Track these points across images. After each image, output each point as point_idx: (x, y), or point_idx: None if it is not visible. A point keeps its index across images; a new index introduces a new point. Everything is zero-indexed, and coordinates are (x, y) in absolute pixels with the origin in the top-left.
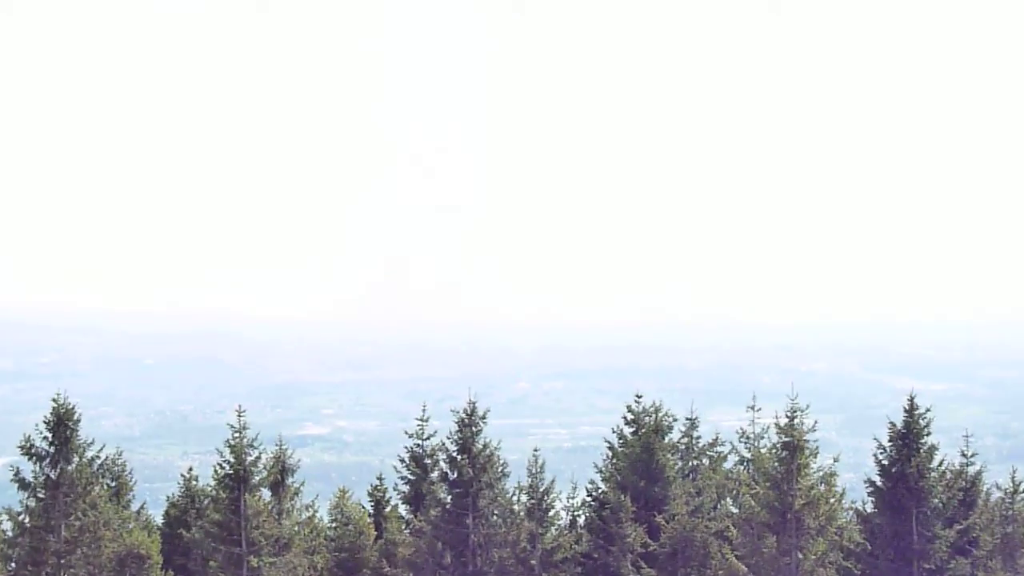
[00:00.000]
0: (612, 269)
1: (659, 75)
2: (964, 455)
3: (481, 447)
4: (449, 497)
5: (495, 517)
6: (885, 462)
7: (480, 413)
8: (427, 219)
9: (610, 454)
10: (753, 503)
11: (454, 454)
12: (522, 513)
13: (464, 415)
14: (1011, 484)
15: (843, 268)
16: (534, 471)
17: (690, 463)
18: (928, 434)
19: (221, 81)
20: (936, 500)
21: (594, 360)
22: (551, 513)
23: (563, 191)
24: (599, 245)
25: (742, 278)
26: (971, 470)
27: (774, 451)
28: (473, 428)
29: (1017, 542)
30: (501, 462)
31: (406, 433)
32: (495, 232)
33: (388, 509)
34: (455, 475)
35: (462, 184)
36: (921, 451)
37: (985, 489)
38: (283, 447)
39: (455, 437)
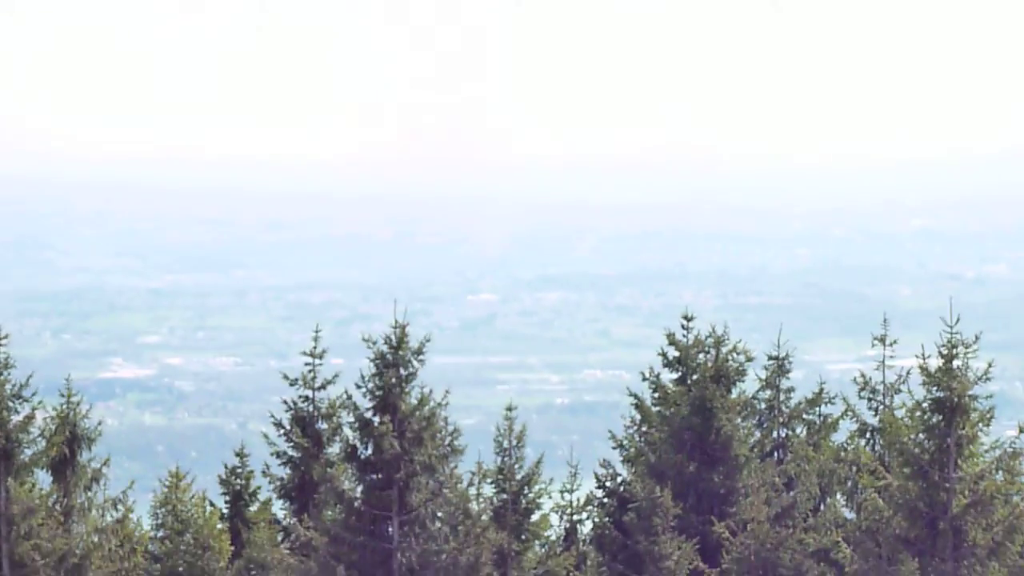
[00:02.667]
0: (624, 91)
1: None
2: None
3: (415, 403)
4: (360, 488)
5: (438, 523)
6: None
7: (415, 344)
8: None
9: (638, 417)
10: (881, 503)
11: (368, 415)
12: (485, 516)
13: (386, 347)
14: None
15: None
16: (507, 444)
17: (775, 433)
18: None
19: None
20: None
21: (611, 252)
22: (535, 517)
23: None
24: (606, 66)
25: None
26: None
27: (918, 415)
28: (401, 370)
29: None
30: (450, 429)
31: (285, 378)
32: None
33: (254, 508)
34: (370, 451)
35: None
36: None
37: None
38: (73, 399)
39: (371, 386)
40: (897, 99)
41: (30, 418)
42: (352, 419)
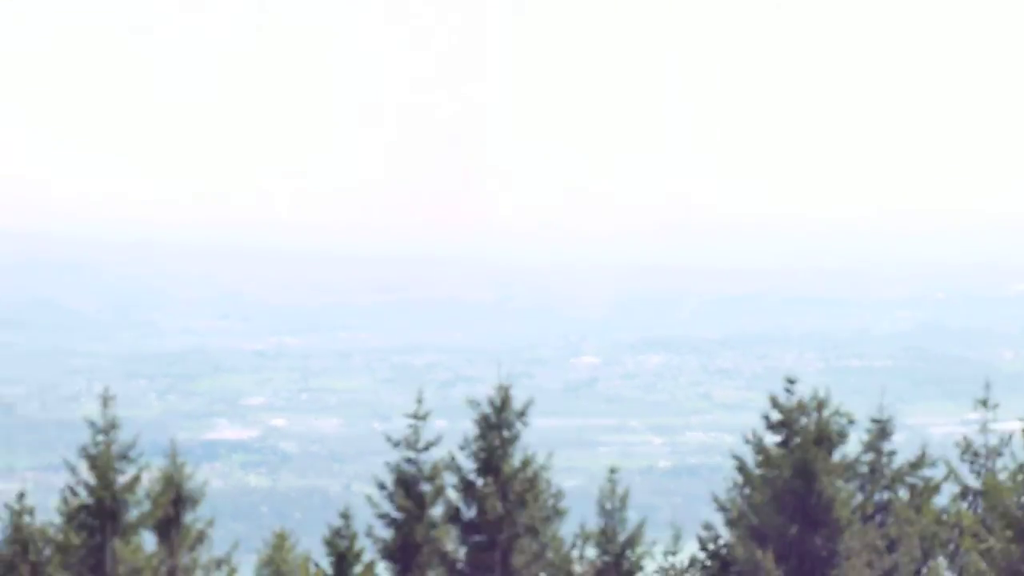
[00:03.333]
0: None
1: None
2: None
3: (519, 466)
4: (463, 550)
5: None
6: None
7: (518, 406)
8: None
9: (740, 479)
10: (983, 566)
11: (472, 477)
12: None
13: (490, 410)
14: None
15: None
16: (610, 507)
17: (876, 496)
18: None
19: None
20: None
21: (713, 316)
22: None
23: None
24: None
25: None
26: None
27: (1020, 478)
28: (505, 432)
29: None
30: (552, 491)
31: (389, 440)
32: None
33: (359, 569)
34: (474, 512)
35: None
36: None
37: None
38: (179, 461)
39: (474, 447)
40: (994, 155)
41: (136, 479)
42: (456, 480)
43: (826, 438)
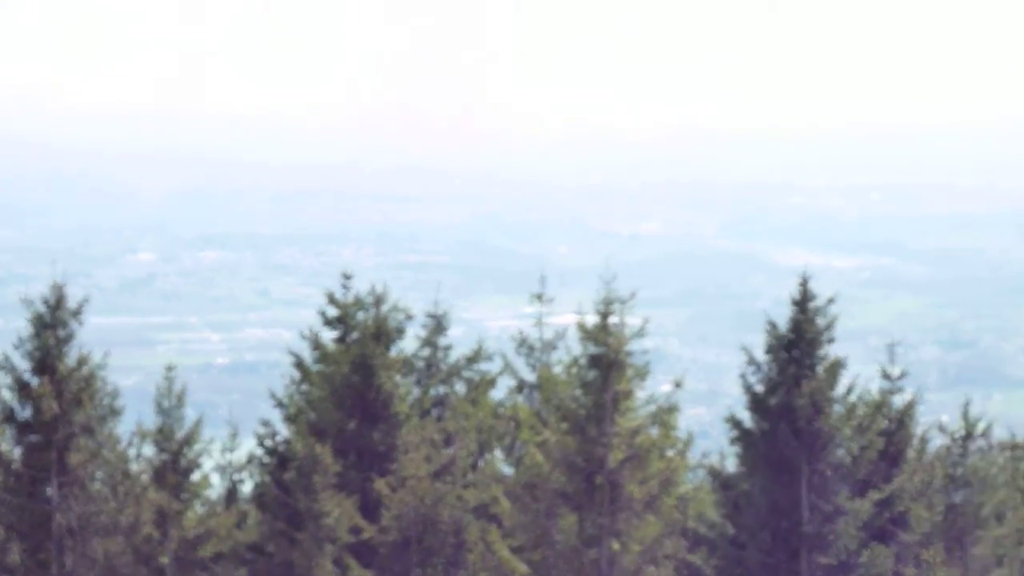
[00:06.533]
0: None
1: None
2: (887, 377)
3: (74, 365)
4: (18, 450)
5: (97, 484)
6: (759, 389)
7: (73, 306)
8: None
9: (298, 375)
10: (540, 458)
11: (26, 377)
12: (145, 477)
13: (44, 308)
14: (963, 425)
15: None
16: (167, 404)
17: (433, 390)
18: (830, 341)
19: None
20: (841, 451)
21: (270, 212)
22: (195, 476)
23: None
24: None
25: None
26: (898, 401)
27: (575, 371)
28: (59, 331)
29: (969, 519)
30: (109, 390)
31: None
32: None
33: None
34: (29, 413)
35: None
36: (818, 370)
37: (920, 433)
38: None
39: (28, 347)
40: (549, 57)
41: None
42: (10, 380)
43: (384, 333)
